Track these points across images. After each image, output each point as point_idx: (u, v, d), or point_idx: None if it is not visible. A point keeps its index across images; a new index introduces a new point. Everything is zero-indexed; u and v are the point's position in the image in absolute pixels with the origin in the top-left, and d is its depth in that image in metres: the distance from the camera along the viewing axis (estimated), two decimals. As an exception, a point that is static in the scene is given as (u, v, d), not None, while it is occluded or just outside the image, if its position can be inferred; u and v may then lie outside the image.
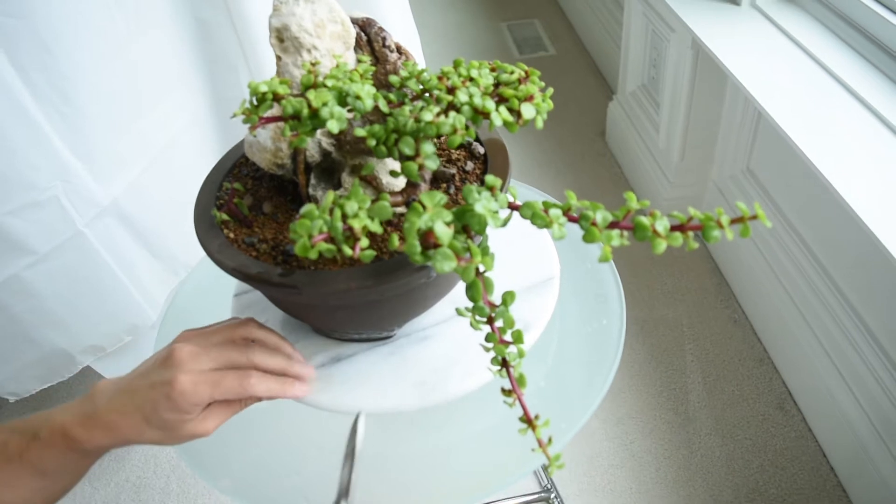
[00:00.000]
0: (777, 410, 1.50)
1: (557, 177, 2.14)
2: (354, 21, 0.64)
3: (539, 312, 0.68)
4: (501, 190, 0.49)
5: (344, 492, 0.59)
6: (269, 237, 0.62)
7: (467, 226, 0.46)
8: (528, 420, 0.46)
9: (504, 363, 0.47)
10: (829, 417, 1.40)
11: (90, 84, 1.05)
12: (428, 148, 0.48)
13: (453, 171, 0.65)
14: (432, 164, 0.48)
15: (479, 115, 0.48)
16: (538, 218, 0.43)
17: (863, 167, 1.07)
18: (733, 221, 0.37)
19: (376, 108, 0.52)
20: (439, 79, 0.52)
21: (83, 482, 0.61)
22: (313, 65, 0.55)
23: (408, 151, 0.48)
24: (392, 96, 0.54)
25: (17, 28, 0.94)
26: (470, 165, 0.66)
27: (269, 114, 0.55)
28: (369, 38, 0.64)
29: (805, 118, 1.18)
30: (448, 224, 0.44)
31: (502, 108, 0.48)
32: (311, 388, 0.65)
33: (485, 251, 0.45)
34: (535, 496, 1.37)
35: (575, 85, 2.59)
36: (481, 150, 0.67)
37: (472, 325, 0.47)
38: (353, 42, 0.63)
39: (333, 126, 0.50)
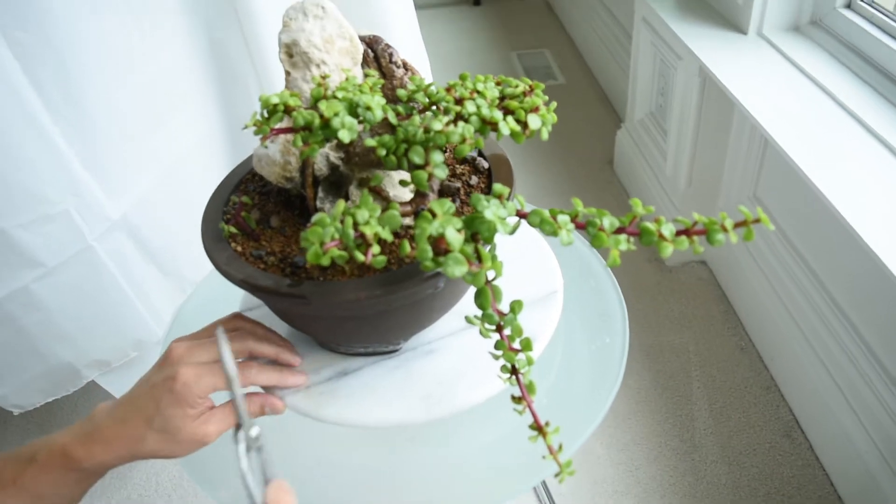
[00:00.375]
0: (784, 438, 1.49)
1: (566, 204, 2.14)
2: (361, 38, 0.65)
3: (543, 326, 0.68)
4: (508, 198, 0.50)
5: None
6: (276, 250, 0.63)
7: (476, 234, 0.46)
8: (538, 427, 0.46)
9: (514, 370, 0.47)
10: (836, 446, 1.38)
11: (104, 99, 1.06)
12: (437, 157, 0.49)
13: (458, 184, 0.65)
14: (441, 172, 0.48)
15: (487, 125, 0.49)
16: (546, 224, 0.44)
17: (871, 194, 1.08)
18: (737, 225, 0.38)
19: (385, 120, 0.53)
20: (447, 90, 0.52)
21: (84, 501, 0.61)
22: (323, 77, 0.56)
23: (417, 160, 0.49)
24: (400, 108, 0.55)
25: (34, 43, 0.96)
26: (474, 180, 0.67)
27: (279, 126, 0.56)
28: (376, 54, 0.65)
29: (812, 145, 1.18)
30: (458, 230, 0.44)
31: (509, 118, 0.49)
32: (306, 379, 0.67)
33: (493, 258, 0.45)
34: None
35: (584, 114, 2.61)
36: (485, 164, 0.68)
37: (481, 332, 0.47)
38: (360, 58, 0.64)
39: (345, 136, 0.51)
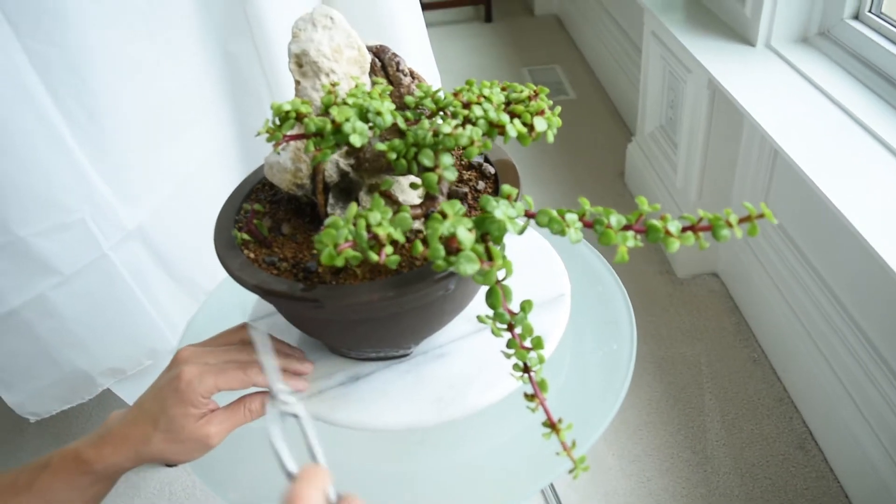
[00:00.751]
0: (797, 450, 1.48)
1: (576, 215, 2.15)
2: (369, 48, 0.67)
3: (552, 327, 0.69)
4: (517, 199, 0.51)
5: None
6: (289, 256, 0.63)
7: (486, 235, 0.47)
8: (551, 424, 0.47)
9: (526, 368, 0.48)
10: (850, 458, 1.38)
11: (120, 110, 1.08)
12: (447, 159, 0.50)
13: (465, 189, 0.66)
14: (451, 174, 0.50)
15: (494, 128, 0.50)
16: (555, 223, 0.45)
17: (882, 205, 1.07)
18: (741, 220, 0.38)
19: (394, 126, 0.54)
20: (455, 95, 0.54)
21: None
22: (333, 85, 0.58)
23: (427, 163, 0.50)
24: (409, 114, 0.57)
25: (53, 55, 0.98)
26: (481, 185, 0.68)
27: (291, 132, 0.57)
28: (383, 63, 0.67)
29: (822, 156, 1.18)
30: (469, 230, 0.45)
31: (516, 121, 0.50)
32: (309, 384, 0.67)
33: (504, 257, 0.46)
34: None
35: (595, 128, 2.62)
36: (492, 170, 0.69)
37: (493, 331, 0.48)
38: (368, 67, 0.65)
39: (356, 140, 0.52)
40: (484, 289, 0.48)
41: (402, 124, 0.54)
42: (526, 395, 0.49)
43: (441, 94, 0.55)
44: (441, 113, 0.54)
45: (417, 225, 0.61)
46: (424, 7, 1.46)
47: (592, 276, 0.84)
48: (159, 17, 1.09)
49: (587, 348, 0.78)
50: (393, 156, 0.52)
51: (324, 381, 0.69)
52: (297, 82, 0.63)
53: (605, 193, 2.28)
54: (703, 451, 1.50)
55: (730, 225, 0.38)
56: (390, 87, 0.60)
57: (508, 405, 0.64)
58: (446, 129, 0.49)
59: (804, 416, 1.53)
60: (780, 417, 1.55)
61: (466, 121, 0.51)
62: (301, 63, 0.62)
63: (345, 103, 0.55)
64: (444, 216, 0.46)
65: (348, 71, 0.63)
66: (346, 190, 0.67)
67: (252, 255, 0.63)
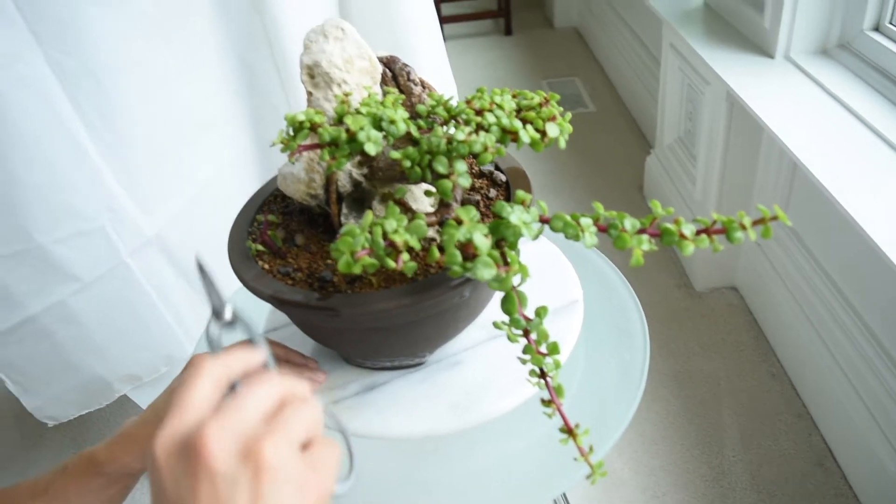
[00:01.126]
0: (816, 467, 1.46)
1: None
2: (380, 58, 0.67)
3: (566, 334, 0.69)
4: (530, 205, 0.51)
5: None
6: (303, 266, 0.64)
7: (500, 241, 0.47)
8: (568, 429, 0.47)
9: (542, 374, 0.48)
10: (870, 475, 1.35)
11: (140, 120, 1.10)
12: (461, 166, 0.50)
13: (477, 197, 0.67)
14: (465, 180, 0.50)
15: (507, 134, 0.50)
16: (569, 227, 0.45)
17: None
18: (755, 223, 0.38)
19: (407, 134, 0.55)
20: (467, 103, 0.54)
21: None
22: (346, 95, 0.58)
23: (441, 170, 0.50)
24: (421, 122, 0.57)
25: (74, 64, 0.99)
26: (493, 193, 0.68)
27: (306, 142, 0.58)
28: (394, 73, 0.67)
29: (841, 168, 1.17)
30: (485, 236, 0.45)
31: (528, 127, 0.50)
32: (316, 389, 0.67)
33: (519, 262, 0.46)
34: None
35: (614, 140, 2.62)
36: (503, 178, 0.69)
37: (509, 337, 0.48)
38: (379, 77, 0.66)
39: (371, 148, 0.52)
40: (497, 297, 0.48)
41: (415, 132, 0.54)
42: (543, 401, 0.49)
43: (453, 103, 0.56)
44: (453, 121, 0.55)
45: (431, 233, 0.61)
46: (444, 20, 1.47)
47: (606, 287, 0.84)
48: (177, 26, 1.10)
49: (600, 357, 0.78)
50: (407, 164, 0.53)
51: (339, 390, 0.69)
52: (310, 93, 0.64)
53: (623, 206, 2.27)
54: (719, 466, 1.49)
55: (743, 227, 0.38)
56: (402, 97, 0.60)
57: (521, 414, 0.64)
58: (460, 135, 0.49)
59: (823, 433, 1.51)
60: (798, 434, 1.53)
61: (479, 128, 0.51)
62: (313, 74, 0.63)
63: (358, 112, 0.55)
64: (460, 222, 0.46)
65: (360, 81, 0.64)
66: (360, 200, 0.68)
67: (266, 266, 0.64)
